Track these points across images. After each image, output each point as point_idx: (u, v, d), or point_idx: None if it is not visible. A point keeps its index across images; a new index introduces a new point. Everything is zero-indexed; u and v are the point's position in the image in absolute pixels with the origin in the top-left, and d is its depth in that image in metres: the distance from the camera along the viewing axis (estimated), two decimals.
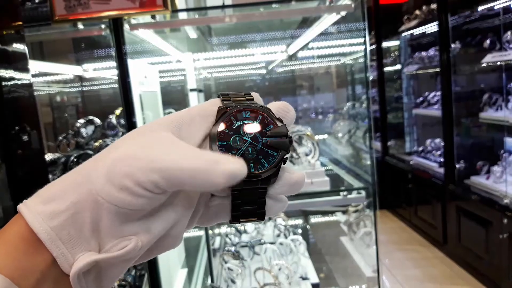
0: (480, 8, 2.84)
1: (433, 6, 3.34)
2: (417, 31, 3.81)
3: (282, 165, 0.35)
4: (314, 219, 2.85)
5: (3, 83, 0.83)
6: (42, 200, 0.29)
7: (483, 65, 2.90)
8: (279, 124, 0.35)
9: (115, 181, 0.28)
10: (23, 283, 0.26)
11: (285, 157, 0.35)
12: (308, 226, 2.80)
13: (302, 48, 2.63)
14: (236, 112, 0.35)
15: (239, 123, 0.35)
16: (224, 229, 2.26)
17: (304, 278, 1.77)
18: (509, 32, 2.58)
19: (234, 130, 0.34)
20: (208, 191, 0.34)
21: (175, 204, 0.32)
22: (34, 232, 0.28)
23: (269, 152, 0.34)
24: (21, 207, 0.29)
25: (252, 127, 0.35)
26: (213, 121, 0.35)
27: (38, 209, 0.29)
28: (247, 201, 0.34)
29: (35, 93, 0.94)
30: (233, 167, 0.28)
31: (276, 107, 0.37)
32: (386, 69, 4.40)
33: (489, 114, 2.87)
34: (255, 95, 0.38)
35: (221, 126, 0.34)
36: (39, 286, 0.27)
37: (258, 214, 0.35)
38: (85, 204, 0.29)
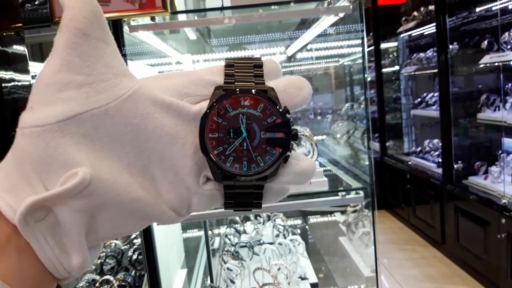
0: (477, 9, 2.86)
1: (431, 7, 3.35)
2: (415, 32, 3.83)
3: (283, 162, 0.30)
4: (313, 220, 2.86)
5: (3, 85, 0.83)
6: None
7: (481, 66, 2.91)
8: (283, 117, 0.29)
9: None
10: None
11: (286, 155, 0.30)
12: (307, 227, 2.80)
13: (300, 50, 2.64)
14: (233, 99, 0.29)
15: (235, 112, 0.29)
16: (223, 229, 2.26)
17: (303, 278, 1.77)
18: (506, 33, 2.60)
19: (229, 121, 0.29)
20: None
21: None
22: None
23: (267, 149, 0.29)
24: None
25: (250, 118, 0.29)
26: (204, 95, 0.30)
27: None
28: (241, 196, 0.31)
29: None
30: None
31: (285, 85, 0.31)
32: (384, 70, 4.41)
33: (486, 115, 2.89)
34: (268, 66, 0.31)
35: (214, 115, 0.29)
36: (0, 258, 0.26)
37: (254, 205, 0.31)
38: (18, 148, 0.28)
